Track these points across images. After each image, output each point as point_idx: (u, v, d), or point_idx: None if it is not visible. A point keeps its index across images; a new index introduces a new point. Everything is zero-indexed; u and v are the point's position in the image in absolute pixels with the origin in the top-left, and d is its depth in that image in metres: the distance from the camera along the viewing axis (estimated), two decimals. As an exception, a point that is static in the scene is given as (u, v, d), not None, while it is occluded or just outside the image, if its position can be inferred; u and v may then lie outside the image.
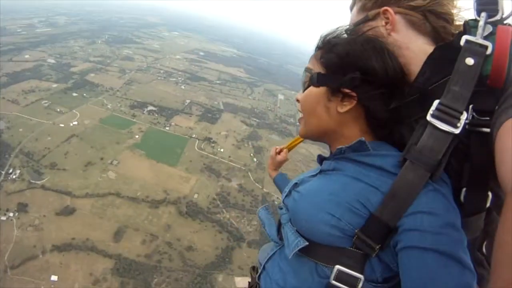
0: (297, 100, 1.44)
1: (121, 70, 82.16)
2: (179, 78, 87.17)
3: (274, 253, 1.47)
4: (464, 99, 1.06)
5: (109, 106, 63.73)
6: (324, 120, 1.34)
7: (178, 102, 72.78)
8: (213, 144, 60.86)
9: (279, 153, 2.36)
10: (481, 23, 1.12)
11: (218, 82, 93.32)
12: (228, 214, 45.54)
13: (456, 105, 1.06)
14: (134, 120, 61.24)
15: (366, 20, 1.39)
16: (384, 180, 1.11)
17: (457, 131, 1.04)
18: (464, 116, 1.05)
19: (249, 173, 55.73)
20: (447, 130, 1.05)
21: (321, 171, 1.37)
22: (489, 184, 1.02)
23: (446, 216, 1.01)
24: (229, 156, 58.50)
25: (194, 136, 61.73)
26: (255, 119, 76.52)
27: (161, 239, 38.40)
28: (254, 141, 66.64)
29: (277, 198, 50.68)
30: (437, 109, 1.08)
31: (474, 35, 1.12)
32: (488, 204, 1.12)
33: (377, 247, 1.06)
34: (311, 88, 1.36)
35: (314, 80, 1.33)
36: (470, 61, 1.08)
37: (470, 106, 1.08)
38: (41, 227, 35.36)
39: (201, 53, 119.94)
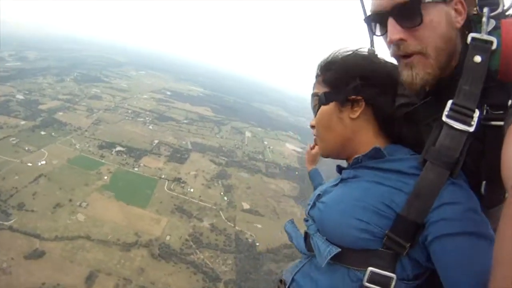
0: (312, 126, 1.52)
1: (89, 109, 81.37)
2: (147, 118, 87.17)
3: (303, 265, 1.49)
4: (475, 96, 1.10)
5: (77, 146, 62.78)
6: (340, 132, 1.41)
7: (146, 142, 72.45)
8: (182, 184, 60.75)
9: (313, 148, 2.55)
10: (484, 18, 1.15)
11: (185, 121, 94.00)
12: (202, 254, 45.04)
13: (468, 103, 1.10)
14: (103, 160, 60.49)
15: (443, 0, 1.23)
16: (404, 181, 1.17)
17: (471, 129, 1.08)
18: (476, 114, 1.09)
19: (221, 212, 55.83)
20: (462, 129, 1.09)
21: (341, 180, 1.43)
22: None
23: (467, 203, 1.06)
24: (200, 196, 58.46)
25: (163, 176, 61.40)
26: (223, 157, 77.14)
27: (135, 283, 37.30)
28: (224, 179, 67.07)
29: (250, 235, 51.59)
30: (451, 109, 1.12)
31: (479, 31, 1.15)
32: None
33: (408, 245, 1.10)
34: (322, 108, 1.44)
35: (322, 99, 1.43)
36: (477, 58, 1.11)
37: (485, 104, 1.13)
38: (10, 271, 33.65)
39: (168, 93, 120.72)
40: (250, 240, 50.98)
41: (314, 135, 1.53)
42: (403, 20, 1.19)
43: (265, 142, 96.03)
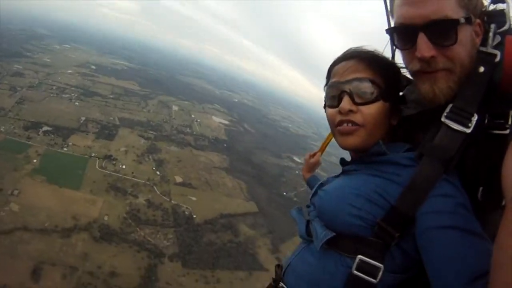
0: (350, 111, 1.32)
1: (12, 87, 72.44)
2: (72, 94, 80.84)
3: (301, 250, 1.47)
4: (475, 102, 1.12)
5: (1, 129, 56.53)
6: (382, 132, 1.38)
7: (73, 120, 68.01)
8: (114, 162, 58.99)
9: (313, 156, 2.54)
10: (490, 34, 1.17)
11: (111, 96, 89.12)
12: (143, 231, 45.04)
13: (467, 107, 1.12)
14: (30, 142, 55.71)
15: (469, 21, 1.18)
16: (398, 172, 1.19)
17: (468, 130, 1.09)
18: (475, 118, 1.10)
19: (155, 187, 55.59)
20: (459, 129, 1.10)
21: (343, 172, 1.47)
22: None
23: (459, 198, 1.07)
24: (132, 172, 57.35)
25: (93, 155, 59.00)
26: (152, 132, 75.62)
27: (82, 270, 36.28)
28: (154, 154, 66.23)
29: (186, 208, 52.50)
30: (450, 111, 1.14)
31: (486, 45, 1.17)
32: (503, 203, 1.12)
33: (397, 234, 1.09)
34: (381, 104, 1.34)
35: (384, 95, 1.34)
36: (481, 69, 1.14)
37: (487, 113, 1.15)
38: None
39: (93, 67, 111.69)
40: (187, 213, 51.82)
41: (346, 120, 1.34)
42: (437, 37, 1.17)
43: (193, 116, 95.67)
